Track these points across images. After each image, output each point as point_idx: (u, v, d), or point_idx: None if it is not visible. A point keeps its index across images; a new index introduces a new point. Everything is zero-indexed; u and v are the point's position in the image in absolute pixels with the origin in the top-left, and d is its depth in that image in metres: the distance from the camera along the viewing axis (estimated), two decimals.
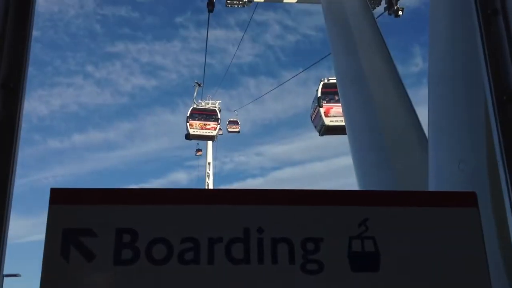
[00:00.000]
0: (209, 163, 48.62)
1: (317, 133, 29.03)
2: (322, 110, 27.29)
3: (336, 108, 24.86)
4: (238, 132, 47.26)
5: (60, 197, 2.10)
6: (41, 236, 2.05)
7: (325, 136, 29.01)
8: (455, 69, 5.28)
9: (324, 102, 27.45)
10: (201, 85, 41.87)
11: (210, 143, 47.24)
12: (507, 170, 2.19)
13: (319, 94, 27.89)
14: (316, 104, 27.92)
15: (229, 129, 46.83)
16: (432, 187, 5.39)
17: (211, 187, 47.29)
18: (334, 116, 25.69)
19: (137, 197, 2.15)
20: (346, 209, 2.16)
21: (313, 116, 29.05)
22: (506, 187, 2.16)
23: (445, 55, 5.55)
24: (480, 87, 2.51)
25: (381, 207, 2.15)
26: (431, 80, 5.81)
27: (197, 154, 50.03)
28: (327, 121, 27.00)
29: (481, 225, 2.11)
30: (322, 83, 28.18)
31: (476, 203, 2.15)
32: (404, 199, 2.23)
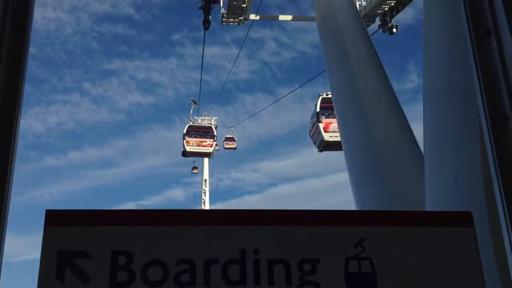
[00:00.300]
0: (205, 180, 48.49)
1: (316, 149, 28.54)
2: (321, 126, 26.75)
3: (336, 123, 24.41)
4: (235, 148, 47.25)
5: (56, 219, 2.09)
6: (36, 255, 2.04)
7: (322, 152, 28.57)
8: (449, 87, 5.32)
9: (323, 117, 26.84)
10: (197, 103, 42.05)
11: (206, 160, 47.17)
12: (502, 188, 2.19)
13: (318, 109, 27.29)
14: (315, 119, 27.34)
15: (226, 146, 46.79)
16: (429, 204, 5.39)
17: (207, 204, 47.13)
18: (334, 132, 24.90)
19: (132, 218, 2.14)
20: (342, 230, 2.16)
21: (312, 132, 28.46)
22: (501, 205, 2.16)
23: (439, 73, 5.59)
24: (475, 104, 2.52)
25: (378, 227, 2.15)
26: (426, 98, 5.84)
27: (193, 171, 49.90)
28: (327, 137, 26.41)
29: (477, 245, 2.11)
30: (321, 97, 27.59)
31: (472, 223, 2.15)
32: (400, 219, 2.23)
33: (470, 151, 4.82)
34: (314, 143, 28.73)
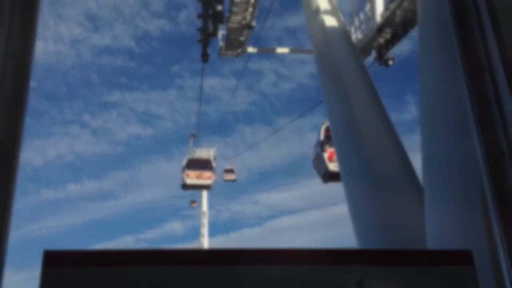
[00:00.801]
0: (204, 213, 48.18)
1: (318, 180, 27.34)
2: (325, 155, 25.49)
3: None
4: (234, 180, 47.08)
5: (53, 260, 2.08)
6: None
7: (326, 183, 27.43)
8: (446, 122, 5.35)
9: (328, 146, 25.78)
10: (196, 135, 42.16)
11: (205, 192, 46.98)
12: (501, 225, 2.19)
13: (322, 138, 26.07)
14: (319, 149, 26.33)
15: (225, 178, 46.58)
16: (430, 240, 5.34)
17: (206, 237, 46.65)
18: None
19: (130, 258, 2.13)
20: (342, 269, 2.14)
21: (316, 162, 27.13)
22: (500, 243, 2.16)
23: (435, 108, 5.63)
24: (471, 139, 2.54)
25: (378, 267, 2.14)
26: (423, 133, 5.86)
27: (192, 205, 49.52)
28: (332, 167, 25.03)
29: (478, 283, 2.09)
30: (324, 125, 26.30)
31: (472, 261, 2.14)
32: (400, 259, 2.22)
33: (468, 187, 4.81)
34: (318, 173, 27.32)
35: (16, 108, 2.35)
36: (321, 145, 26.02)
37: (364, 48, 15.37)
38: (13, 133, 2.30)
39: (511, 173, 2.26)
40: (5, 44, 2.38)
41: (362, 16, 15.65)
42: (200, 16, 15.45)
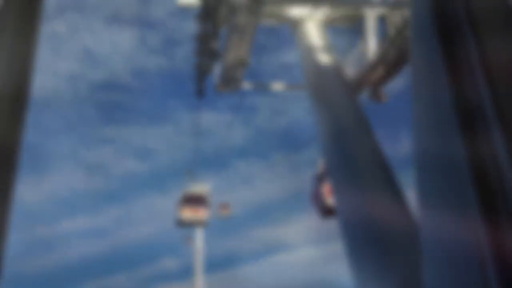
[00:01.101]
0: (198, 249, 47.65)
1: (315, 216, 26.78)
2: (323, 190, 25.05)
3: None
4: (230, 215, 46.75)
5: None
6: None
7: (319, 219, 26.86)
8: (440, 164, 5.36)
9: (325, 181, 25.26)
10: (192, 171, 42.14)
11: (200, 228, 46.64)
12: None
13: (320, 172, 25.73)
14: (317, 183, 25.74)
15: (220, 213, 46.27)
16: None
17: (200, 274, 45.99)
18: None
19: None
20: None
21: (313, 197, 26.55)
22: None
23: (429, 150, 5.65)
24: (465, 179, 2.56)
25: None
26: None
27: (187, 242, 48.95)
28: (330, 202, 24.45)
29: None
30: (321, 161, 26.00)
31: None
32: None
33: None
34: (316, 208, 26.79)
35: (11, 151, 2.36)
36: (319, 180, 25.54)
37: (358, 85, 15.53)
38: (7, 177, 2.30)
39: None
40: (2, 85, 2.41)
41: (355, 53, 15.90)
42: (195, 53, 15.65)
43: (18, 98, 2.42)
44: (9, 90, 2.40)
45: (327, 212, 25.87)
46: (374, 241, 7.85)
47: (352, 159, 9.23)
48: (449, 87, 2.73)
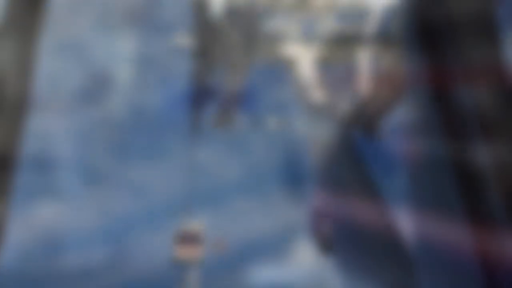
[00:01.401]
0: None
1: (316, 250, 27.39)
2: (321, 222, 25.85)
3: None
4: (224, 252, 46.34)
5: None
6: None
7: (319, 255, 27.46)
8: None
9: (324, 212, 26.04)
10: (187, 209, 42.05)
11: (194, 266, 46.12)
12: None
13: (317, 204, 26.48)
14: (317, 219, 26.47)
15: (214, 250, 45.86)
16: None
17: None
18: None
19: None
20: None
21: (313, 232, 27.40)
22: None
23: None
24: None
25: None
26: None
27: (180, 281, 48.29)
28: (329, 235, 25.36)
29: None
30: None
31: None
32: None
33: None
34: (315, 242, 27.37)
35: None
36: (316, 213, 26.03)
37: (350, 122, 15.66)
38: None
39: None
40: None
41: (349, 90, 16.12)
42: (190, 89, 15.86)
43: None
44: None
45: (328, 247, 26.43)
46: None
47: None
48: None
